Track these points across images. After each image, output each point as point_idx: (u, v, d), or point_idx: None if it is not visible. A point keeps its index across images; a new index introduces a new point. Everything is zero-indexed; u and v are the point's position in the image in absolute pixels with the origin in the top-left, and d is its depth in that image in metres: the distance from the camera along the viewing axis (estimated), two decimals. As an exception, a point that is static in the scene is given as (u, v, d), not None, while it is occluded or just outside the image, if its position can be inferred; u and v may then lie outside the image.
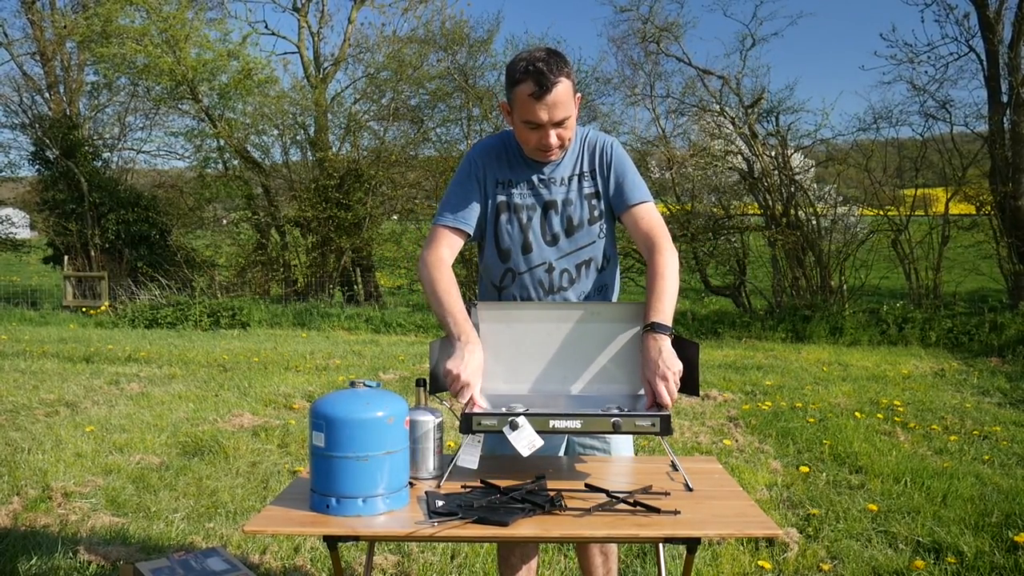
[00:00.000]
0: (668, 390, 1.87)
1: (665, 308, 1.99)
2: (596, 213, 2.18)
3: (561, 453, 2.26)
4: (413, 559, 3.16)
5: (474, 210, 2.16)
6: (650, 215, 2.16)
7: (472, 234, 2.17)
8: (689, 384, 1.94)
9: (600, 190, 2.18)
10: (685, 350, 1.96)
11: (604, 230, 2.20)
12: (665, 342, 1.93)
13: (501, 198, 2.17)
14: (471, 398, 1.91)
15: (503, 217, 2.17)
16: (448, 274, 2.10)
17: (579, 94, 2.11)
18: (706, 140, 12.45)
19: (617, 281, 2.32)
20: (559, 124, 2.04)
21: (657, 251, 2.10)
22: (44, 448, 4.62)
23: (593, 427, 1.88)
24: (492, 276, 2.22)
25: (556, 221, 2.17)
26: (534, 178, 2.16)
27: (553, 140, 2.06)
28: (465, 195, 2.17)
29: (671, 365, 1.88)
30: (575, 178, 2.18)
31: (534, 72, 1.97)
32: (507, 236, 2.17)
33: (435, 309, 2.09)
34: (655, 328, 1.95)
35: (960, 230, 11.33)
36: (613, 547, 2.41)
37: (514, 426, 1.83)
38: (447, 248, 2.14)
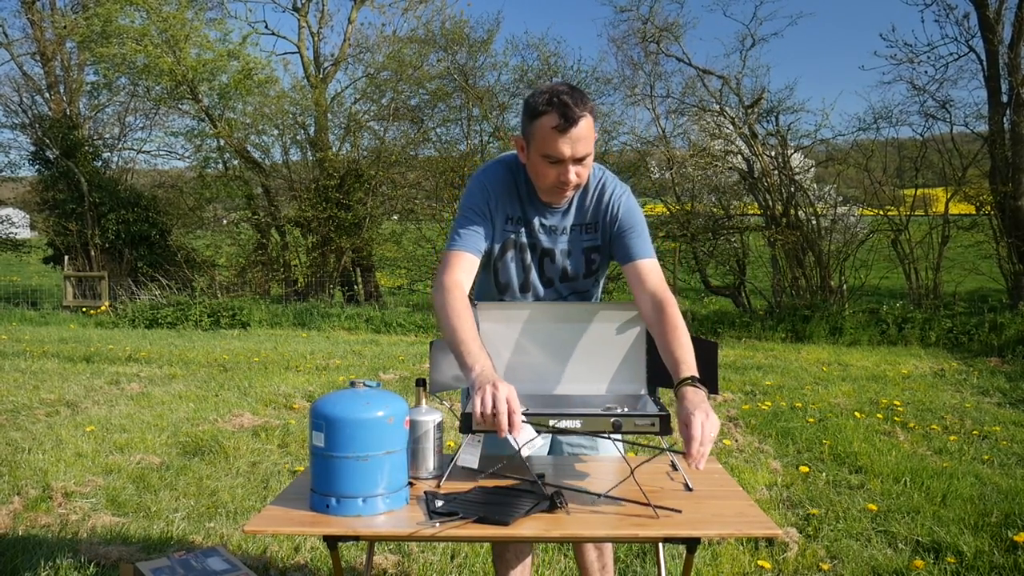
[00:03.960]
0: (704, 455, 1.71)
1: (694, 361, 1.90)
2: (593, 267, 2.17)
3: (544, 452, 2.26)
4: (413, 559, 3.16)
5: (486, 237, 2.09)
6: (656, 272, 2.08)
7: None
8: (708, 383, 1.97)
9: (600, 244, 2.15)
10: (704, 350, 1.98)
11: (599, 280, 2.23)
12: (708, 403, 1.80)
13: (510, 235, 2.13)
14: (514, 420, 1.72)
15: (508, 254, 2.14)
16: (463, 300, 1.97)
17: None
18: (706, 140, 12.45)
19: None
20: (579, 161, 1.96)
21: (668, 304, 1.99)
22: (44, 448, 4.62)
23: (593, 427, 1.88)
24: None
25: (552, 269, 2.16)
26: (540, 222, 2.12)
27: (572, 177, 1.97)
28: (478, 221, 2.08)
29: (713, 432, 1.72)
30: (577, 229, 2.13)
31: (559, 104, 1.90)
32: (508, 272, 2.16)
33: (447, 336, 1.95)
34: (695, 382, 1.83)
35: (960, 230, 11.33)
36: (608, 543, 2.42)
37: (514, 426, 1.83)
38: (463, 272, 2.02)
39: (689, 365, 1.87)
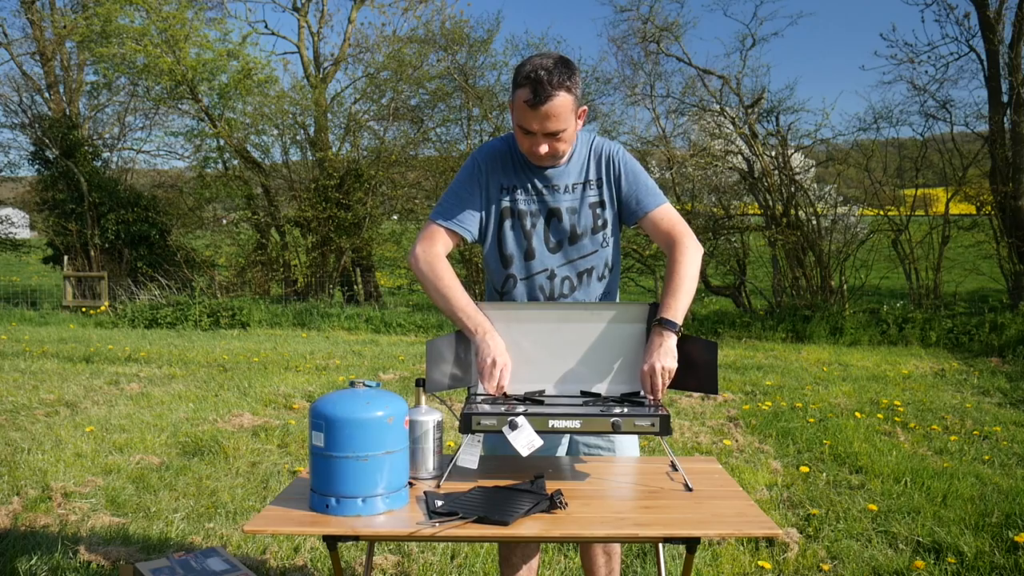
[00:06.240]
0: (654, 383, 1.95)
1: (677, 305, 2.03)
2: (600, 222, 2.17)
3: (563, 453, 2.26)
4: (413, 559, 3.16)
5: (472, 214, 2.15)
6: (668, 215, 2.17)
7: (466, 238, 2.17)
8: (708, 383, 1.96)
9: (606, 199, 2.17)
10: (703, 350, 1.98)
11: (607, 240, 2.19)
12: (669, 339, 1.98)
13: (505, 203, 2.16)
14: (501, 375, 1.99)
15: (507, 223, 2.16)
16: (448, 268, 2.10)
17: (584, 107, 2.08)
18: (706, 140, 12.44)
19: (616, 289, 2.32)
20: (552, 135, 2.02)
21: (676, 247, 2.12)
22: (44, 448, 4.62)
23: (593, 427, 1.88)
24: (495, 281, 2.22)
25: (560, 228, 2.16)
26: (539, 184, 2.15)
27: (543, 150, 2.04)
28: (465, 197, 2.15)
29: (665, 362, 1.95)
30: (580, 186, 2.16)
31: (534, 80, 1.96)
32: (510, 242, 2.16)
33: (441, 305, 2.09)
34: (662, 324, 2.01)
35: (960, 230, 11.33)
36: (616, 547, 2.41)
37: (514, 426, 1.83)
38: (442, 246, 2.13)
39: (668, 306, 2.03)
